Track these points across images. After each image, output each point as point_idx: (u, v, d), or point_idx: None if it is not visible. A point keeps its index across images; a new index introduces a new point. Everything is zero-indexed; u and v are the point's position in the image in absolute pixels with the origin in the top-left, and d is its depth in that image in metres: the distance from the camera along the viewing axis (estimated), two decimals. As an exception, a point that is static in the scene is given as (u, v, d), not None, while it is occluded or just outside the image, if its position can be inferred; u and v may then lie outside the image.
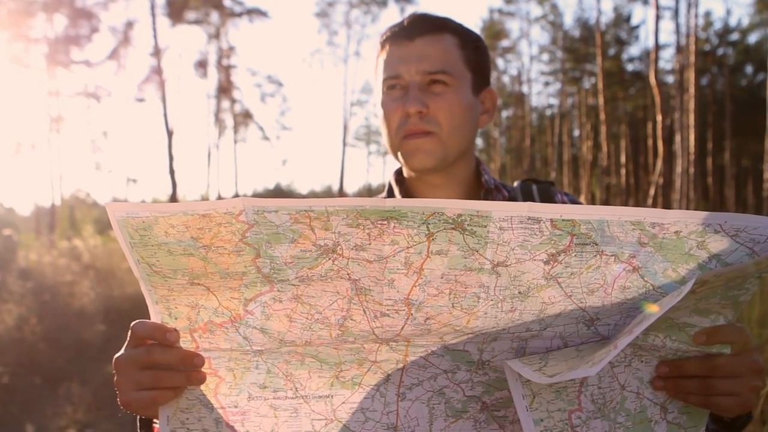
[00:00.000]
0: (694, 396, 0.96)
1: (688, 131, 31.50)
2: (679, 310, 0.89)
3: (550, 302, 0.90)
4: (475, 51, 1.41)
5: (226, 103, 42.32)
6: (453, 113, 1.34)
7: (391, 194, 1.50)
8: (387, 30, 1.42)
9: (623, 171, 48.13)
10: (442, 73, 1.34)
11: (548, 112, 58.79)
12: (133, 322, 0.96)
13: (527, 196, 1.46)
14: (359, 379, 0.98)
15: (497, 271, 0.87)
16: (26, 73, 35.97)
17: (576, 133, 57.18)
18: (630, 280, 0.89)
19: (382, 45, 1.41)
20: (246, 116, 43.41)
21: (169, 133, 30.76)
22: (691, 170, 31.60)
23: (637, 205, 43.74)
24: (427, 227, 0.84)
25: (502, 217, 0.84)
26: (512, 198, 1.46)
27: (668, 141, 33.76)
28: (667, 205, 32.03)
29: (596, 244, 0.86)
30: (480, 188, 1.47)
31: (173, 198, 29.17)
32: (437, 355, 0.97)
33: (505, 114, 60.24)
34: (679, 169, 31.86)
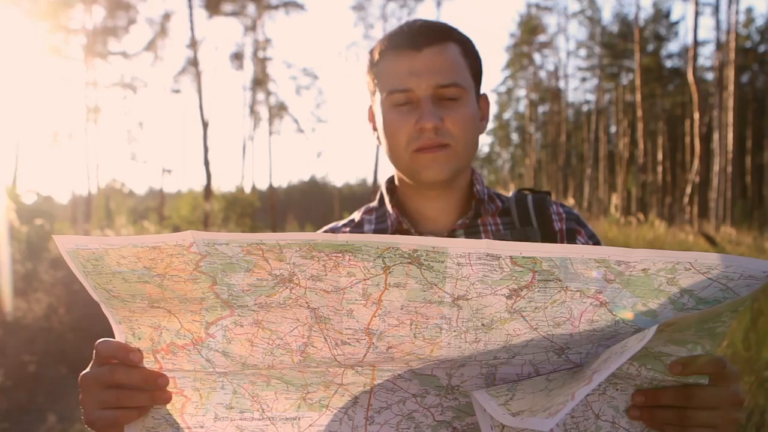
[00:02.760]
0: (670, 426, 0.93)
1: (727, 129, 31.18)
2: (652, 341, 0.86)
3: (515, 334, 0.88)
4: (476, 59, 1.39)
5: (261, 95, 42.55)
6: (466, 125, 1.32)
7: (382, 203, 1.47)
8: (385, 39, 1.36)
9: (660, 168, 47.72)
10: (453, 86, 1.30)
11: (585, 108, 58.45)
12: (97, 341, 0.95)
13: (521, 206, 1.43)
14: (326, 402, 0.96)
15: (458, 304, 0.85)
16: (65, 63, 36.31)
17: (612, 129, 56.78)
18: (598, 314, 0.87)
19: (382, 54, 1.36)
20: (281, 108, 43.53)
21: (205, 125, 31.00)
22: (729, 169, 31.27)
23: (674, 202, 43.34)
24: (383, 261, 0.83)
25: (460, 253, 0.82)
26: (505, 208, 1.44)
27: (706, 139, 33.36)
28: (703, 204, 31.72)
29: (560, 281, 0.84)
30: (472, 198, 1.44)
31: (207, 189, 29.36)
32: (405, 380, 0.95)
33: (541, 109, 60.01)
34: (716, 167, 31.49)
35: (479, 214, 1.41)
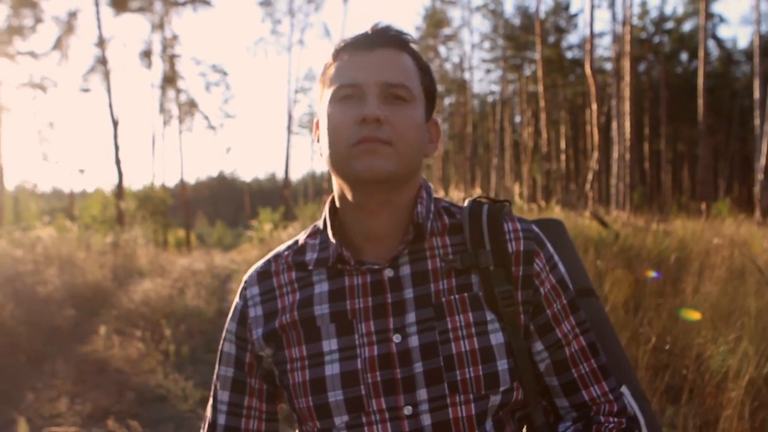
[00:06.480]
0: None
1: (624, 118, 32.40)
2: None
3: None
4: (430, 79, 1.35)
5: (171, 93, 42.18)
6: (410, 129, 1.25)
7: (326, 226, 1.37)
8: (340, 43, 1.32)
9: (563, 156, 49.05)
10: (402, 87, 1.25)
11: (490, 99, 59.78)
12: None
13: (474, 223, 1.34)
14: None
15: None
16: (-31, 63, 35.49)
17: (517, 119, 58.38)
18: None
19: (336, 55, 1.31)
20: (191, 105, 43.27)
21: (115, 123, 30.83)
22: (627, 156, 32.51)
23: (577, 189, 44.73)
24: None
25: None
26: (456, 225, 1.36)
27: (605, 128, 34.67)
28: (604, 190, 32.89)
29: None
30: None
31: (119, 188, 29.27)
32: None
33: (447, 101, 60.94)
34: (615, 155, 32.72)
35: (422, 236, 1.30)
